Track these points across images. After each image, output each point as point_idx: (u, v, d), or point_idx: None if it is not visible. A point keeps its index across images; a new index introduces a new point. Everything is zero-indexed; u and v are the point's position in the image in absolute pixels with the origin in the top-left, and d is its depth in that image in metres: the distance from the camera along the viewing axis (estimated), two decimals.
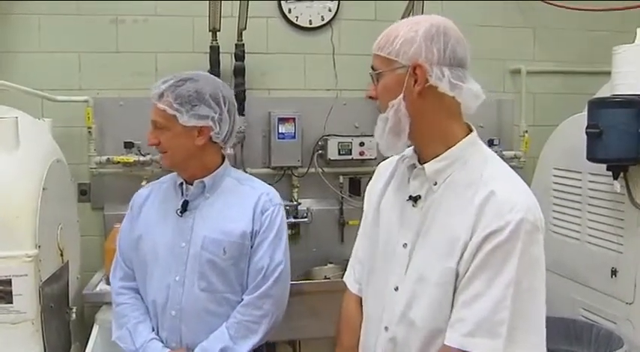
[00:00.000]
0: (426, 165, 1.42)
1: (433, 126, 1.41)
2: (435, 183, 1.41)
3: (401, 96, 1.38)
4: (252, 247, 1.93)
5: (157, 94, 1.87)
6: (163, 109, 1.86)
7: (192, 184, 1.95)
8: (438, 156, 1.41)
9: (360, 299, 1.62)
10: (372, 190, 1.63)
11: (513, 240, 1.28)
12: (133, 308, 1.97)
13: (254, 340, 1.90)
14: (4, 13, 3.05)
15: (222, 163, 2.00)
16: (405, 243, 1.44)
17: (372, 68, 1.45)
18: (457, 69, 1.38)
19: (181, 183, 1.96)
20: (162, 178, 2.11)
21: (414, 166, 1.47)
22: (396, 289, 1.44)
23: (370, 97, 1.47)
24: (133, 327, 1.93)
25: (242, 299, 1.92)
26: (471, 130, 1.45)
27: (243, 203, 1.95)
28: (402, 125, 1.39)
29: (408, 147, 1.49)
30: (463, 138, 1.42)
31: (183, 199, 1.94)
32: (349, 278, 1.71)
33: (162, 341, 1.91)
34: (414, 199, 1.44)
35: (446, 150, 1.41)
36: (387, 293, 1.46)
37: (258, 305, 1.91)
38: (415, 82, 1.36)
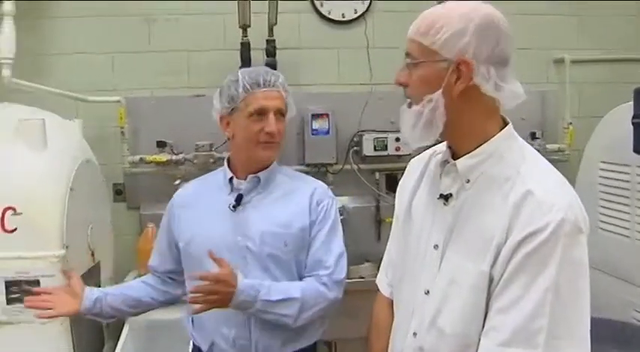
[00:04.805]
0: (457, 161, 1.33)
1: (468, 124, 1.31)
2: (468, 181, 1.32)
3: (440, 91, 1.27)
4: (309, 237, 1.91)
5: (281, 82, 1.92)
6: (285, 97, 1.91)
7: (244, 179, 1.93)
8: (470, 152, 1.32)
9: (392, 302, 1.54)
10: (403, 189, 1.54)
11: (553, 242, 1.17)
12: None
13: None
14: (38, 17, 3.09)
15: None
16: (436, 244, 1.35)
17: (407, 53, 1.33)
18: (502, 68, 1.27)
19: (231, 178, 1.94)
20: (205, 176, 2.09)
21: (445, 163, 1.38)
22: (427, 293, 1.36)
23: (400, 84, 1.35)
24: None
25: None
26: (505, 123, 1.35)
27: (297, 196, 1.93)
28: (437, 122, 1.29)
29: (438, 141, 1.39)
30: (497, 133, 1.32)
31: (237, 193, 1.91)
32: (381, 281, 1.64)
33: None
34: (445, 198, 1.35)
35: (479, 146, 1.31)
36: (418, 297, 1.38)
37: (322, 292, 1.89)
38: (458, 78, 1.26)
